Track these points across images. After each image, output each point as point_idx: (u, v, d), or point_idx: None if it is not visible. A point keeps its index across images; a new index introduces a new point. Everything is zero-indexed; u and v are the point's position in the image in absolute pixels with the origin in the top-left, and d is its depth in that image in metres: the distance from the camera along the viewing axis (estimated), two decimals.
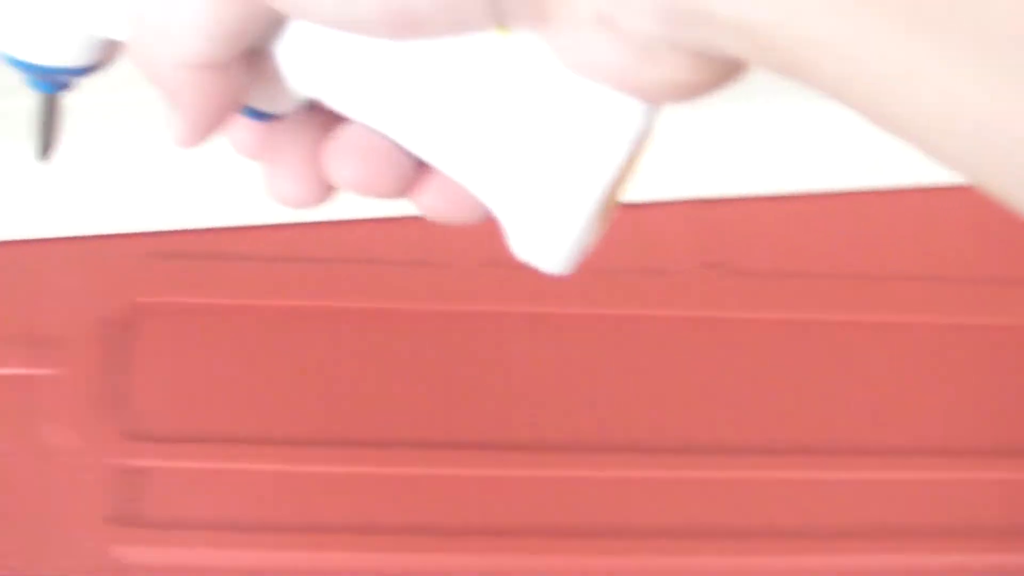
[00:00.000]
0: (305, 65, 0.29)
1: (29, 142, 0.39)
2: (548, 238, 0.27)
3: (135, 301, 0.47)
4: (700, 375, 0.48)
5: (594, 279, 0.48)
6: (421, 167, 0.29)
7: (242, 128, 0.31)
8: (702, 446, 0.46)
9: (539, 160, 0.27)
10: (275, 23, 0.28)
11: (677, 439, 0.46)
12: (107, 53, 0.32)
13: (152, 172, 0.49)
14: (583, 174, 0.27)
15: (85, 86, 0.35)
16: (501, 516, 0.44)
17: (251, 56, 0.28)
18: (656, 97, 0.26)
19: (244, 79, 0.29)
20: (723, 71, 0.25)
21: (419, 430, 0.46)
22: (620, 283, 0.49)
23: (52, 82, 0.35)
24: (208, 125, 0.29)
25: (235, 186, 0.49)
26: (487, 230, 0.32)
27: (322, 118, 0.30)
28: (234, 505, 0.44)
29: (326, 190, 0.30)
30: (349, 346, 0.47)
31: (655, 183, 0.49)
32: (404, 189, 0.29)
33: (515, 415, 0.46)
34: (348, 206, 0.45)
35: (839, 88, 0.23)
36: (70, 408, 0.45)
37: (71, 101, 0.35)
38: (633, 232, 0.49)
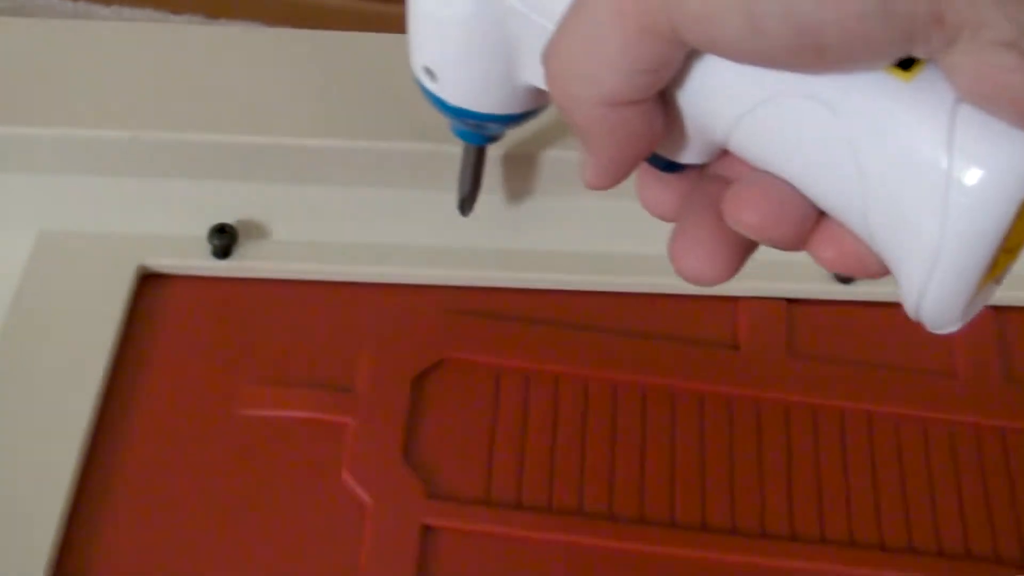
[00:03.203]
0: (714, 110, 0.29)
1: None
2: (936, 295, 0.28)
3: (442, 356, 0.48)
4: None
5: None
6: (822, 217, 0.30)
7: (653, 182, 0.32)
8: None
9: (928, 211, 0.26)
10: (687, 61, 0.28)
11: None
12: (537, 101, 0.38)
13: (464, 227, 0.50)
14: (970, 229, 0.26)
15: None
16: None
17: (664, 101, 0.29)
18: None
19: (658, 122, 0.29)
20: None
21: (712, 516, 0.46)
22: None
23: (485, 133, 0.42)
24: (621, 166, 0.30)
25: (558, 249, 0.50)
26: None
27: (725, 177, 0.31)
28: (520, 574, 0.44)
29: (732, 256, 0.31)
30: (647, 423, 0.47)
31: None
32: (803, 238, 0.30)
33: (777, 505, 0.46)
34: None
35: None
36: (371, 460, 0.45)
37: None
38: None
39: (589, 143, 0.30)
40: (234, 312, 0.49)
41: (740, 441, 0.47)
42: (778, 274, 0.50)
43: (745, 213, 0.29)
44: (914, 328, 0.50)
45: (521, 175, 0.49)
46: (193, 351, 0.48)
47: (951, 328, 0.29)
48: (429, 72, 0.39)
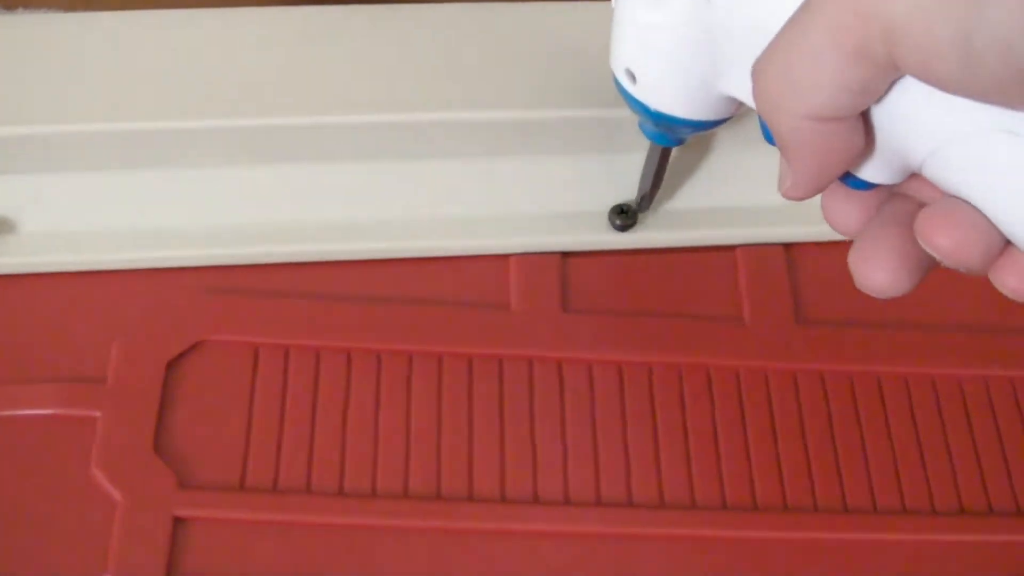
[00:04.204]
0: (914, 136, 0.31)
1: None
2: None
3: (198, 339, 0.46)
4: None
5: None
6: (1008, 245, 0.31)
7: (840, 196, 0.34)
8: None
9: None
10: (892, 85, 0.30)
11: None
12: (730, 110, 0.39)
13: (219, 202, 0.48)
14: None
15: None
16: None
17: (865, 121, 0.31)
18: None
19: (859, 140, 0.31)
20: None
21: (481, 483, 0.44)
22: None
23: (676, 136, 0.43)
24: (819, 179, 0.32)
25: (309, 221, 0.48)
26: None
27: (913, 197, 0.34)
28: (288, 559, 0.42)
29: (914, 272, 0.33)
30: (413, 392, 0.45)
31: None
32: (989, 265, 0.31)
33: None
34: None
35: None
36: (121, 452, 0.43)
37: None
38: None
39: (791, 155, 0.32)
40: None
41: (510, 404, 0.45)
42: (551, 227, 0.48)
43: (937, 236, 0.31)
44: (696, 273, 0.49)
45: (267, 146, 0.47)
46: None
47: None
48: (630, 74, 0.39)
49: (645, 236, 0.49)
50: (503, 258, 0.48)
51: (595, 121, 0.47)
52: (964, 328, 0.49)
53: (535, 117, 0.48)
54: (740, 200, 0.49)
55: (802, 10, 0.29)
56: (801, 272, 0.49)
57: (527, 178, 0.49)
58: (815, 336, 0.48)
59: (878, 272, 0.33)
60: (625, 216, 0.48)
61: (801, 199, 0.33)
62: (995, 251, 0.31)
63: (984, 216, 0.30)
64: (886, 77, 0.29)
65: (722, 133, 0.49)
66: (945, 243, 0.31)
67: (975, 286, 0.48)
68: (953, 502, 0.45)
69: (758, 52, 0.31)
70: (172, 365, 0.45)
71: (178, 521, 0.42)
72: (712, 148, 0.50)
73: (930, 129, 0.30)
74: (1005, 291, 0.31)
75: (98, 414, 0.44)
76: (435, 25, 0.50)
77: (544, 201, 0.49)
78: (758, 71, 0.31)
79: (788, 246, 0.50)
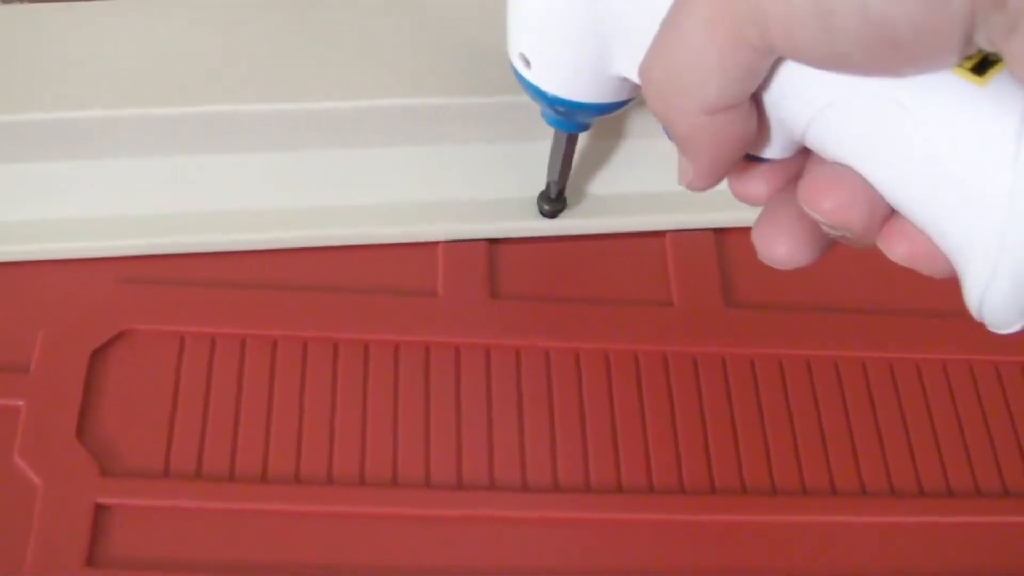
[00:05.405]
0: (792, 110, 0.31)
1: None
2: (997, 299, 0.29)
3: (121, 328, 0.45)
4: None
5: None
6: (896, 213, 0.31)
7: (742, 172, 0.34)
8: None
9: (993, 216, 0.28)
10: (775, 66, 0.30)
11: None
12: (628, 92, 0.39)
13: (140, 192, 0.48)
14: None
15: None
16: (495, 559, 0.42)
17: (755, 103, 0.31)
18: None
19: (752, 123, 0.31)
20: None
21: (406, 469, 0.44)
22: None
23: (577, 121, 0.43)
24: (721, 167, 0.32)
25: (226, 209, 0.48)
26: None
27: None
28: (211, 545, 0.42)
29: (813, 244, 0.33)
30: (338, 379, 0.45)
31: None
32: (874, 228, 0.31)
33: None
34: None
35: None
36: (44, 440, 0.43)
37: None
38: None
39: (690, 149, 0.32)
40: None
41: (436, 390, 0.45)
42: (478, 214, 0.48)
43: (819, 199, 0.31)
44: (625, 259, 0.49)
45: (189, 136, 0.47)
46: None
47: (1012, 328, 0.30)
48: (525, 59, 0.39)
49: (573, 222, 0.49)
50: (431, 245, 0.48)
51: (522, 107, 0.47)
52: (894, 312, 0.49)
53: (463, 104, 0.48)
54: (670, 185, 0.48)
55: (673, 10, 0.30)
56: (731, 257, 0.49)
57: (455, 165, 0.49)
58: (745, 320, 0.48)
59: (778, 245, 0.34)
60: (553, 202, 0.48)
61: (705, 189, 0.34)
62: (879, 216, 0.31)
63: (866, 181, 0.31)
64: (765, 59, 0.29)
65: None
66: (827, 205, 0.31)
67: (904, 269, 0.48)
68: (883, 483, 0.45)
69: (648, 34, 0.31)
70: (96, 354, 0.45)
71: (100, 508, 0.42)
72: (643, 133, 0.50)
73: (806, 102, 0.30)
74: (895, 258, 0.31)
75: (21, 403, 0.44)
76: (360, 11, 0.50)
77: (472, 188, 0.49)
78: (644, 75, 0.31)
79: (718, 231, 0.50)
